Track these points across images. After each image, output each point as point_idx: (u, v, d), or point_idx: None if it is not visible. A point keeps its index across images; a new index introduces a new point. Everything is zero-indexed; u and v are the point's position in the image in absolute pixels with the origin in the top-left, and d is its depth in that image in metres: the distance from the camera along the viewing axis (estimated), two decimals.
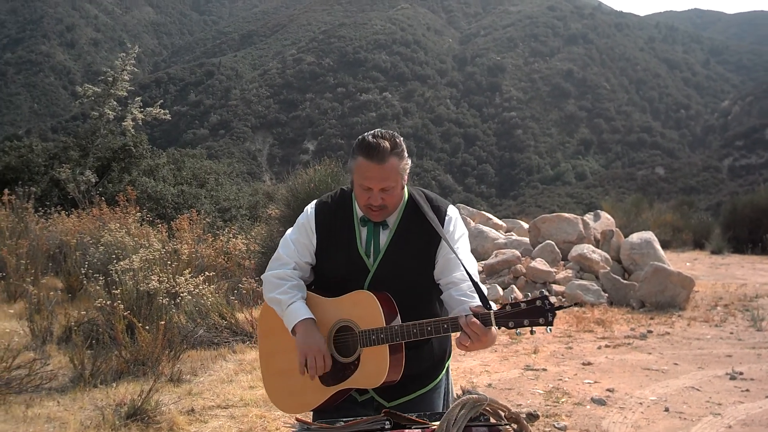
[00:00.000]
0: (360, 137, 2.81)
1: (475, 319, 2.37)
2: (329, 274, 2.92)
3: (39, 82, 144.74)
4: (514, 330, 2.42)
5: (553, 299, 2.38)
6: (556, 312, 2.38)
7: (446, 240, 2.76)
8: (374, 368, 2.68)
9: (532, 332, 2.41)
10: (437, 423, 2.33)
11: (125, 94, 19.56)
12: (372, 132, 2.78)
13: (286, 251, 2.97)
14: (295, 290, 2.88)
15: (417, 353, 2.81)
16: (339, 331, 2.82)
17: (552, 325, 2.36)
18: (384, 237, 2.85)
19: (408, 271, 2.80)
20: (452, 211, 2.90)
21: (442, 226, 2.81)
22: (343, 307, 2.81)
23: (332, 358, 2.79)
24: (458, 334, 2.53)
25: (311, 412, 2.95)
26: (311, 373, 2.76)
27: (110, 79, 19.25)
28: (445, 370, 2.97)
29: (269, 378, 3.03)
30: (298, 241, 2.96)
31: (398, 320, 2.70)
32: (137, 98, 20.35)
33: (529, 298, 2.40)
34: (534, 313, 2.37)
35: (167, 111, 20.60)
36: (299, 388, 2.88)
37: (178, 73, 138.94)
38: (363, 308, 2.74)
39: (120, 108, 19.44)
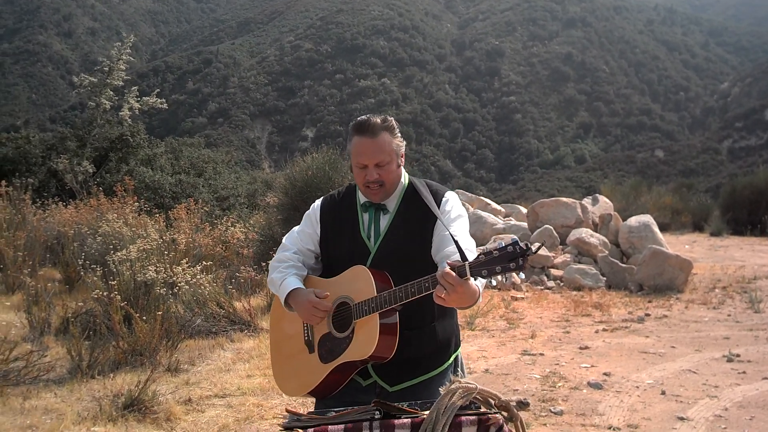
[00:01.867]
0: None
1: (449, 270, 2.41)
2: (335, 259, 3.03)
3: (37, 72, 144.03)
4: (488, 280, 2.44)
5: (523, 244, 2.38)
6: (528, 255, 2.38)
7: (441, 219, 2.82)
8: (365, 337, 2.75)
9: (506, 280, 2.41)
10: (427, 412, 2.34)
11: (121, 83, 19.44)
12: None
13: (289, 239, 3.17)
14: (290, 269, 3.03)
15: (418, 334, 2.87)
16: (338, 308, 2.90)
17: (523, 268, 2.38)
18: (384, 221, 2.97)
19: (406, 252, 2.88)
20: (450, 194, 2.99)
21: (438, 207, 2.89)
22: (342, 284, 2.91)
23: (329, 335, 2.88)
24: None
25: (314, 403, 3.04)
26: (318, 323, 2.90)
27: (106, 68, 19.18)
28: (453, 360, 3.01)
29: (276, 365, 3.15)
30: (303, 231, 3.14)
31: None
32: (134, 87, 20.28)
33: (501, 246, 2.42)
34: (505, 258, 2.38)
35: (164, 100, 20.46)
36: (301, 369, 2.96)
37: (175, 62, 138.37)
38: (358, 282, 2.83)
39: (117, 98, 19.35)
